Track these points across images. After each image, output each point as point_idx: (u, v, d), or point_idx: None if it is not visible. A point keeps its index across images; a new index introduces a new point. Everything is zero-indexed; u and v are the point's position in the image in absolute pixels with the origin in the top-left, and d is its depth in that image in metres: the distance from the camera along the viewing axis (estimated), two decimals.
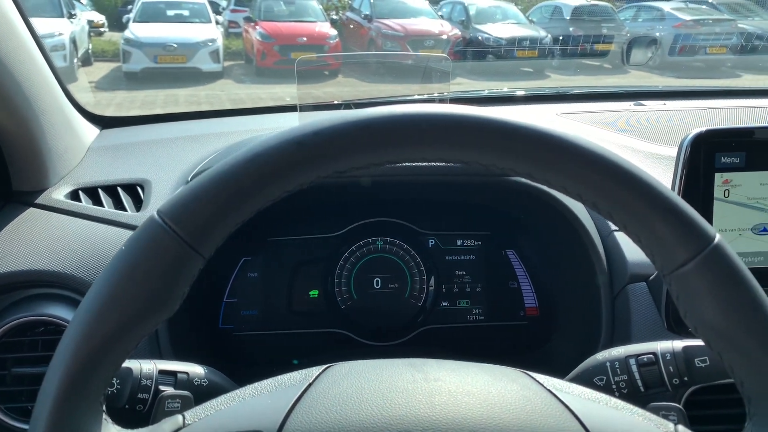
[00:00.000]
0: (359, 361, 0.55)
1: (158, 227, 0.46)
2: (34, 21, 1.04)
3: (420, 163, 1.00)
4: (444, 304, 1.17)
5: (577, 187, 0.48)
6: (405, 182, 1.07)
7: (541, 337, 1.15)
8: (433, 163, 1.01)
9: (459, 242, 1.18)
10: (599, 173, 0.47)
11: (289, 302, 1.15)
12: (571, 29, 11.77)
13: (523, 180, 1.00)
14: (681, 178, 0.88)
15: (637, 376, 0.72)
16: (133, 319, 0.46)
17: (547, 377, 0.53)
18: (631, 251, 0.98)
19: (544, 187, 1.00)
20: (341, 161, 0.48)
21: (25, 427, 0.91)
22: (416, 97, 1.48)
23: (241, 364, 1.11)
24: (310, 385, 0.51)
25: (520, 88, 1.71)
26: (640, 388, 0.72)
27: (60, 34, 8.54)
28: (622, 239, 1.00)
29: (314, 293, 1.16)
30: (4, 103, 0.93)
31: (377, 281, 1.16)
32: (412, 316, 1.16)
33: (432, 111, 0.48)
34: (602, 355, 0.75)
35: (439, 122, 0.48)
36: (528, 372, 0.54)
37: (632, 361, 0.73)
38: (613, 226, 1.01)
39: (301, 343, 1.15)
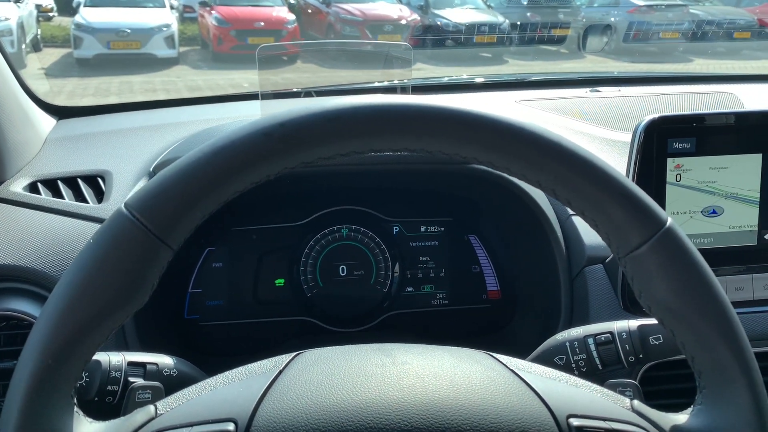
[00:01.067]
0: (328, 347, 0.56)
1: (126, 220, 0.46)
2: None
3: (384, 153, 1.02)
4: (409, 289, 1.19)
5: (537, 174, 0.50)
6: (369, 171, 1.08)
7: (503, 320, 1.18)
8: (396, 152, 1.02)
9: (423, 228, 1.20)
10: (557, 161, 0.49)
11: (254, 291, 1.15)
12: (528, 14, 11.86)
13: (485, 167, 1.03)
14: (635, 164, 0.91)
15: (595, 354, 0.76)
16: (103, 312, 0.46)
17: (509, 358, 0.56)
18: (589, 235, 1.01)
19: (505, 174, 1.03)
20: (308, 152, 0.49)
21: None
22: (377, 84, 1.49)
23: (208, 355, 1.11)
24: (280, 372, 0.52)
25: (479, 74, 1.73)
26: (598, 366, 0.75)
27: (6, 19, 8.23)
28: (580, 223, 1.03)
29: (280, 282, 1.16)
30: None
31: (343, 269, 1.17)
32: (377, 302, 1.17)
33: (397, 102, 0.50)
34: (562, 336, 0.78)
35: (404, 113, 0.49)
36: (491, 353, 0.57)
37: (590, 341, 0.76)
38: (571, 211, 1.05)
39: (268, 332, 1.15)
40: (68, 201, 1.03)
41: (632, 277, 0.50)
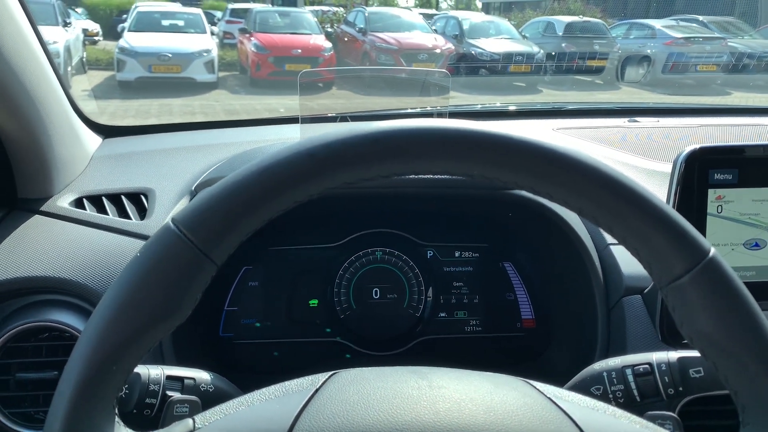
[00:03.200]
0: (365, 368, 0.56)
1: (173, 235, 0.47)
2: None
3: (421, 176, 1.02)
4: (441, 314, 1.18)
5: (579, 201, 0.50)
6: (405, 194, 1.09)
7: (538, 348, 1.17)
8: (434, 176, 1.03)
9: (457, 254, 1.20)
10: (600, 188, 0.49)
11: (288, 311, 1.16)
12: (563, 45, 11.89)
13: (522, 193, 1.03)
14: (675, 194, 0.90)
15: (633, 385, 0.74)
16: (147, 324, 0.47)
17: (546, 385, 0.55)
18: (627, 265, 1.00)
19: (542, 201, 1.03)
20: (351, 173, 0.50)
21: None
22: (413, 110, 1.51)
23: (241, 372, 1.12)
24: (317, 390, 0.52)
25: (513, 102, 1.73)
26: (636, 397, 0.74)
27: (54, 43, 8.52)
28: (618, 253, 1.02)
29: (314, 302, 1.17)
30: (13, 111, 0.95)
31: (376, 291, 1.17)
32: (410, 326, 1.17)
33: (439, 125, 0.50)
34: (599, 365, 0.77)
35: (446, 136, 0.50)
36: (528, 380, 0.56)
37: (629, 371, 0.75)
38: (610, 240, 1.04)
39: (301, 352, 1.16)
40: (112, 217, 1.06)
41: (674, 307, 0.49)
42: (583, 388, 0.75)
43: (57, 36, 8.79)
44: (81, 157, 1.20)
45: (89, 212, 1.07)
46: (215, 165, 1.16)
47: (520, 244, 1.19)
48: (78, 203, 1.09)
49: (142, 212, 1.08)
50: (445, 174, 0.51)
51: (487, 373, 0.56)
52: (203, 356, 1.06)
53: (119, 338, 0.46)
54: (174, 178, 1.15)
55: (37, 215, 1.05)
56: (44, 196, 1.08)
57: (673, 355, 0.75)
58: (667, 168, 0.93)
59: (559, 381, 0.76)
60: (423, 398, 0.50)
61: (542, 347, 1.16)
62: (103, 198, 1.10)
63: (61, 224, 1.04)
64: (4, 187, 1.06)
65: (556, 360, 1.13)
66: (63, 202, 1.08)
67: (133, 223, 1.05)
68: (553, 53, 11.70)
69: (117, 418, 0.51)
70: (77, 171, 1.17)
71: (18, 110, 0.95)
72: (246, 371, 1.12)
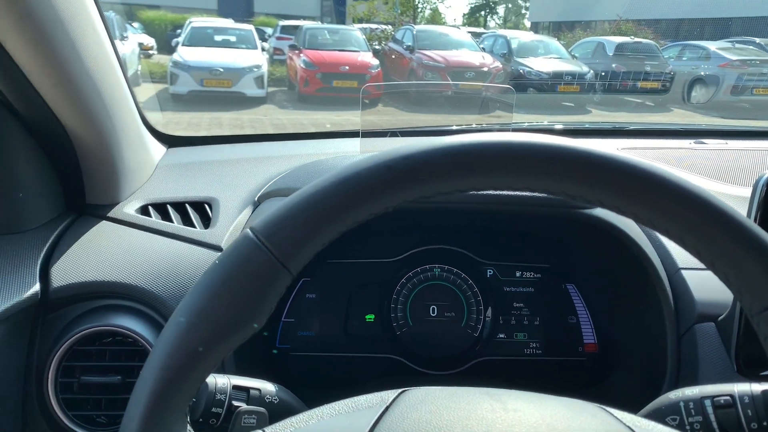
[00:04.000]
0: (435, 387, 0.55)
1: (252, 243, 0.47)
2: None
3: (487, 191, 1.01)
4: (501, 335, 1.16)
5: (666, 222, 0.48)
6: (466, 210, 1.07)
7: (600, 374, 1.13)
8: (499, 192, 1.01)
9: (518, 274, 1.17)
10: (690, 210, 0.47)
11: (345, 325, 1.15)
12: (614, 66, 11.74)
13: (590, 212, 1.00)
14: (755, 219, 0.86)
15: (712, 417, 0.70)
16: (223, 332, 0.47)
17: (623, 413, 0.53)
18: (700, 290, 0.96)
19: (612, 221, 1.00)
20: (428, 186, 0.49)
21: None
22: (474, 126, 1.49)
23: (295, 384, 1.11)
24: (387, 408, 0.51)
25: (563, 122, 1.70)
26: (716, 430, 0.70)
27: None
28: (690, 277, 0.98)
29: (370, 317, 1.16)
30: (88, 119, 0.97)
31: (433, 309, 1.16)
32: (467, 346, 1.15)
33: (525, 140, 0.49)
34: (675, 395, 0.73)
35: (530, 151, 0.48)
36: (605, 407, 0.54)
37: (707, 402, 0.71)
38: (681, 264, 1.00)
39: (356, 367, 1.14)
40: (177, 225, 1.07)
41: (766, 336, 0.47)
42: (658, 417, 0.72)
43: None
44: (147, 165, 1.22)
45: (154, 219, 1.08)
46: (277, 176, 1.17)
47: (584, 265, 1.15)
48: (143, 210, 1.11)
49: (206, 221, 1.09)
50: (525, 190, 0.50)
51: (562, 397, 0.54)
52: (260, 367, 1.06)
53: (195, 345, 0.46)
54: (237, 188, 1.16)
55: (104, 221, 1.07)
56: (111, 203, 1.10)
57: (757, 387, 0.72)
58: (740, 191, 0.89)
59: (623, 409, 0.73)
60: (498, 421, 0.48)
61: (604, 373, 1.13)
62: (168, 206, 1.11)
63: (127, 230, 1.06)
64: (74, 192, 1.08)
65: (620, 387, 1.09)
66: (129, 209, 1.10)
67: (197, 231, 1.06)
68: (603, 73, 11.56)
69: (189, 427, 0.51)
70: (143, 179, 1.19)
71: (92, 117, 0.98)
72: (300, 383, 1.12)
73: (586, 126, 1.66)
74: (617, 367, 1.10)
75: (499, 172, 0.49)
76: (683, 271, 0.99)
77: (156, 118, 1.31)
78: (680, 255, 1.01)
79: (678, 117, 9.94)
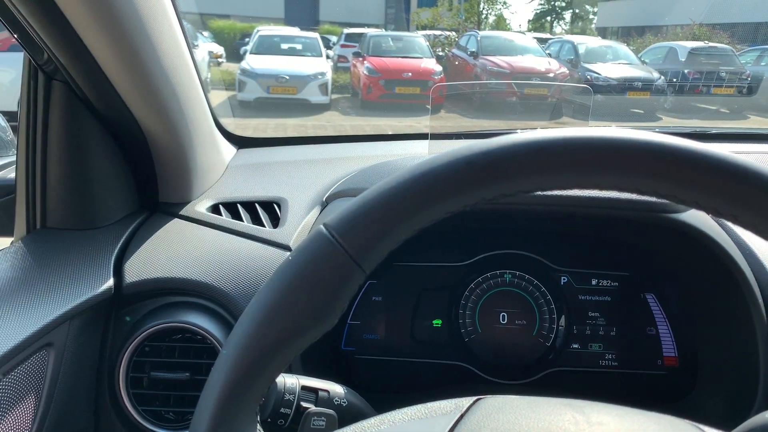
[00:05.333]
0: (512, 396, 0.52)
1: (325, 240, 0.46)
2: None
3: (565, 193, 0.96)
4: (574, 346, 1.11)
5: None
6: (540, 212, 1.03)
7: (680, 390, 1.06)
8: (579, 194, 0.96)
9: (594, 282, 1.12)
10: None
11: (411, 329, 1.13)
12: (686, 71, 11.33)
13: (674, 216, 0.95)
14: None
15: None
16: (296, 330, 0.46)
17: (716, 431, 0.49)
18: None
19: (699, 227, 0.94)
20: (509, 184, 0.46)
21: (157, 431, 0.94)
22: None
23: (359, 388, 1.09)
24: (462, 415, 0.49)
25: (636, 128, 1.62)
26: None
27: None
28: None
29: (437, 323, 1.13)
30: (164, 118, 0.98)
31: (503, 316, 1.12)
32: (539, 355, 1.11)
33: (612, 135, 0.46)
34: None
35: (621, 146, 0.45)
36: (698, 424, 0.50)
37: None
38: None
39: (422, 373, 1.12)
40: (246, 224, 1.08)
41: None
42: None
43: None
44: (219, 165, 1.23)
45: (225, 218, 1.09)
46: (345, 177, 1.16)
47: (666, 273, 1.09)
48: (214, 209, 1.12)
49: (275, 220, 1.09)
50: (613, 189, 0.46)
51: (650, 412, 0.50)
52: (325, 369, 1.04)
53: (267, 343, 0.45)
54: (305, 188, 1.15)
55: (176, 219, 1.09)
56: (184, 201, 1.12)
57: None
58: None
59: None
60: None
61: (686, 389, 1.06)
62: (238, 205, 1.12)
63: (198, 228, 1.07)
64: (148, 190, 1.10)
65: (704, 404, 1.02)
66: (201, 207, 1.11)
67: (267, 230, 1.06)
68: (675, 80, 11.18)
69: (259, 426, 0.50)
70: (215, 178, 1.20)
71: (168, 118, 0.99)
72: (365, 387, 1.10)
73: (664, 130, 1.58)
74: (700, 383, 1.04)
75: (586, 170, 0.46)
76: None
77: (224, 123, 1.33)
78: None
79: (755, 124, 9.50)
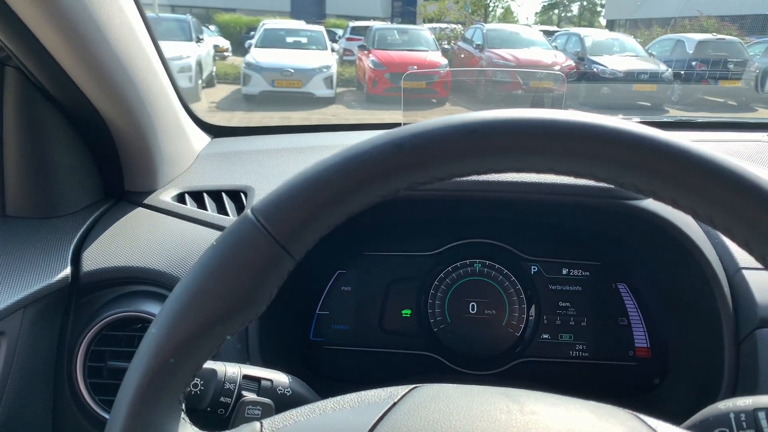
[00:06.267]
0: (449, 384, 0.51)
1: (251, 224, 0.44)
2: (165, 44, 1.09)
3: (526, 179, 0.95)
4: (544, 336, 1.09)
5: (729, 221, 0.41)
6: (508, 200, 1.01)
7: (651, 381, 1.05)
8: (541, 180, 0.95)
9: (564, 271, 1.10)
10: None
11: (380, 319, 1.12)
12: (694, 63, 11.23)
13: (637, 203, 0.93)
14: None
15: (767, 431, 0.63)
16: (219, 317, 0.44)
17: (660, 422, 0.47)
18: (762, 292, 0.87)
19: (665, 215, 0.92)
20: (441, 167, 0.44)
21: None
22: None
23: (328, 379, 1.09)
24: (394, 404, 0.47)
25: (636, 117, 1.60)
26: None
27: (187, 57, 9.13)
28: (753, 279, 0.89)
29: (407, 313, 1.12)
30: (122, 107, 0.97)
31: (473, 306, 1.10)
32: (509, 346, 1.09)
33: (550, 116, 0.44)
34: (725, 405, 0.66)
35: (556, 129, 0.43)
36: (638, 414, 0.48)
37: (762, 415, 0.64)
38: (741, 264, 0.91)
39: (391, 364, 1.11)
40: (211, 213, 1.07)
41: None
42: (704, 429, 0.65)
43: (190, 51, 9.40)
44: (187, 154, 1.22)
45: (189, 207, 1.08)
46: None
47: (637, 263, 1.07)
48: (180, 198, 1.11)
49: (241, 209, 1.08)
50: (551, 173, 0.44)
51: (589, 402, 0.49)
52: (290, 359, 1.03)
53: (189, 329, 0.44)
54: (274, 177, 1.14)
55: (140, 208, 1.07)
56: (149, 190, 1.11)
57: None
58: None
59: (674, 419, 0.66)
60: (512, 424, 0.44)
61: (656, 379, 1.04)
62: (204, 194, 1.11)
63: (161, 218, 1.06)
64: (113, 179, 1.09)
65: (672, 395, 1.01)
66: (166, 196, 1.10)
67: (230, 219, 1.05)
68: (682, 72, 11.08)
69: (183, 415, 0.49)
70: (183, 167, 1.19)
71: (126, 106, 0.98)
72: (333, 378, 1.09)
73: (650, 119, 1.55)
74: (670, 373, 1.02)
75: (519, 153, 0.44)
76: (744, 271, 0.90)
77: (228, 118, 1.32)
78: (741, 254, 0.92)
79: (763, 116, 9.42)
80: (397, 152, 0.44)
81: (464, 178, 0.45)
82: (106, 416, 0.93)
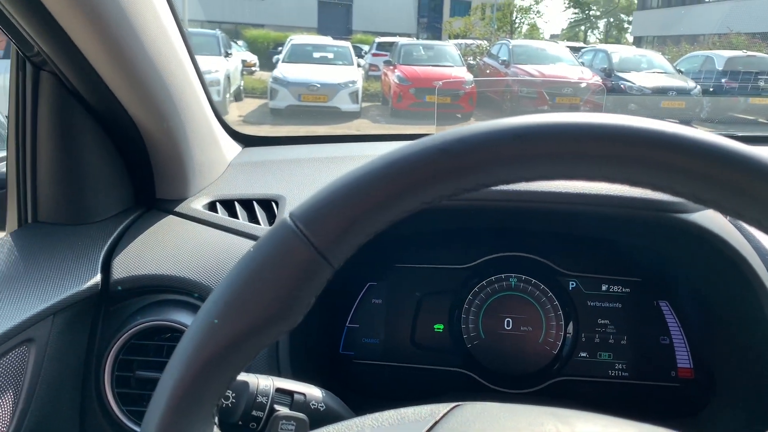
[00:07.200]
0: (493, 403, 0.48)
1: (289, 231, 0.42)
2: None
3: (567, 189, 0.92)
4: (582, 354, 1.05)
5: None
6: (546, 211, 0.98)
7: (695, 403, 1.00)
8: (583, 191, 0.91)
9: (604, 287, 1.07)
10: None
11: (412, 334, 1.09)
12: (723, 81, 11.08)
13: (685, 217, 0.89)
14: None
15: None
16: (255, 327, 0.42)
17: None
18: None
19: (714, 229, 0.88)
20: (488, 173, 0.42)
21: None
22: None
23: (357, 394, 1.06)
24: (436, 422, 0.45)
25: None
26: None
27: (216, 71, 9.25)
28: None
29: (439, 327, 1.09)
30: (155, 113, 0.96)
31: (508, 322, 1.07)
32: (545, 364, 1.05)
33: (605, 121, 0.41)
34: None
35: (615, 133, 0.40)
36: None
37: None
38: None
39: (423, 380, 1.08)
40: (242, 221, 1.05)
41: None
42: None
43: (218, 65, 9.52)
44: (219, 163, 1.21)
45: (221, 216, 1.07)
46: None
47: (680, 280, 1.03)
48: (211, 207, 1.10)
49: (272, 219, 1.07)
50: (605, 180, 0.41)
51: (645, 424, 0.45)
52: (320, 373, 1.01)
53: (223, 339, 0.42)
54: (305, 186, 1.12)
55: (171, 216, 1.06)
56: (180, 198, 1.10)
57: None
58: None
59: None
60: None
61: (701, 402, 1.00)
62: (236, 203, 1.10)
63: (193, 226, 1.04)
64: (144, 187, 1.08)
65: (719, 419, 0.96)
66: (197, 204, 1.09)
67: (262, 228, 1.03)
68: (711, 89, 10.93)
69: (216, 429, 0.47)
70: (214, 176, 1.18)
71: (160, 113, 0.97)
72: (362, 393, 1.06)
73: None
74: (717, 396, 0.97)
75: (571, 160, 0.42)
76: None
77: (254, 131, 1.32)
78: None
79: None
80: (443, 157, 0.41)
81: (500, 188, 0.42)
82: (133, 427, 0.91)
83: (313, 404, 0.68)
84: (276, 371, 0.89)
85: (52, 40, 0.81)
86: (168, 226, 1.04)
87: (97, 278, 0.90)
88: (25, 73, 0.90)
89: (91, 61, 0.84)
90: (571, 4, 37.79)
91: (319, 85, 10.05)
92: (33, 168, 0.94)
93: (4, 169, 0.99)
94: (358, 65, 11.94)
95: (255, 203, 1.10)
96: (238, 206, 1.09)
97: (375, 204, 0.42)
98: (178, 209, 1.08)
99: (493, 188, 0.42)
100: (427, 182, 0.42)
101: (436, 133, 0.44)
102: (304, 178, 1.16)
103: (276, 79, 10.22)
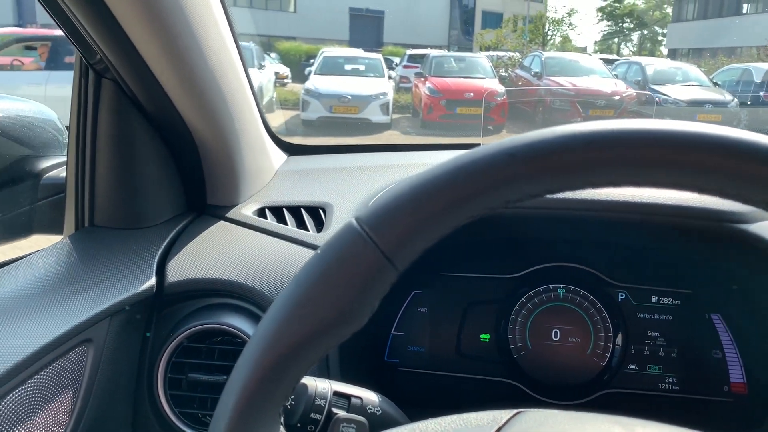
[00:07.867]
0: (556, 410, 0.48)
1: (356, 234, 0.42)
2: None
3: (618, 198, 0.91)
4: (631, 366, 1.04)
5: None
6: (594, 220, 0.97)
7: (749, 420, 0.98)
8: (634, 199, 0.91)
9: (654, 299, 1.05)
10: None
11: (458, 343, 1.09)
12: (761, 93, 10.87)
13: (745, 227, 0.87)
14: None
15: None
16: (322, 329, 0.42)
17: None
18: None
19: None
20: (555, 179, 0.42)
21: None
22: None
23: (402, 401, 1.05)
24: (500, 428, 0.45)
25: None
26: None
27: None
28: None
29: (485, 337, 1.08)
30: (210, 120, 0.98)
31: (556, 332, 1.06)
32: (593, 375, 1.04)
33: (684, 128, 0.41)
34: None
35: (694, 141, 0.40)
36: None
37: None
38: None
39: (468, 389, 1.07)
40: (291, 227, 1.06)
41: None
42: None
43: (252, 77, 9.64)
44: (267, 170, 1.23)
45: (270, 222, 1.08)
46: (392, 183, 1.13)
47: (734, 292, 1.01)
48: (261, 213, 1.11)
49: (320, 225, 1.08)
50: (682, 189, 0.41)
51: None
52: (366, 380, 1.01)
53: (290, 342, 0.42)
54: (351, 194, 1.13)
55: (222, 221, 1.08)
56: (231, 204, 1.12)
57: None
58: None
59: None
60: None
61: (755, 419, 0.97)
62: (284, 209, 1.11)
63: (243, 231, 1.06)
64: (195, 192, 1.10)
65: None
66: (247, 210, 1.11)
67: (311, 234, 1.05)
68: (749, 102, 10.73)
69: (282, 429, 0.47)
70: (262, 183, 1.20)
71: (215, 120, 0.99)
72: (407, 401, 1.06)
73: None
74: None
75: (646, 166, 0.41)
76: None
77: (287, 141, 1.33)
78: None
79: None
80: (510, 162, 0.42)
81: (551, 196, 0.42)
82: (183, 428, 0.92)
83: (369, 408, 0.68)
84: (326, 376, 0.89)
85: (117, 47, 0.83)
86: (219, 231, 1.06)
87: (152, 281, 0.92)
88: (87, 81, 0.92)
89: (153, 69, 0.86)
90: (604, 16, 37.51)
91: (350, 97, 10.12)
92: (92, 173, 0.97)
93: (64, 174, 1.02)
94: (389, 77, 11.99)
95: (303, 210, 1.11)
96: (286, 213, 1.11)
97: (441, 208, 0.42)
98: (228, 215, 1.09)
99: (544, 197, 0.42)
100: (495, 187, 0.42)
101: (483, 143, 0.44)
102: (350, 186, 1.17)
103: (308, 91, 10.33)
